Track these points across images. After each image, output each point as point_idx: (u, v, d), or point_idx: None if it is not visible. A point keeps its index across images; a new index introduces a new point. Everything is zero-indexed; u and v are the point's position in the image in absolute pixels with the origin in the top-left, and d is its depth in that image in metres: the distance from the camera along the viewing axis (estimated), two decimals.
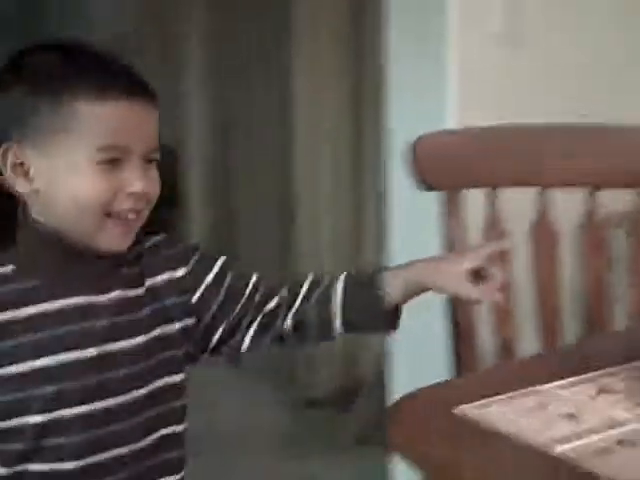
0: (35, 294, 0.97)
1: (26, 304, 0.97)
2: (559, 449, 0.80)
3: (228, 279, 1.06)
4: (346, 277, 1.06)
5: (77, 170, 0.96)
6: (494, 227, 1.39)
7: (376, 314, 1.04)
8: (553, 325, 1.38)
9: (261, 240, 2.99)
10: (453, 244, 1.39)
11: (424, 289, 1.04)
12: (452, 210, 1.39)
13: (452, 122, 1.81)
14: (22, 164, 0.97)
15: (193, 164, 3.27)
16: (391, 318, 1.05)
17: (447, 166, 1.40)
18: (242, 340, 1.06)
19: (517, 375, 1.01)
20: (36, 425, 0.96)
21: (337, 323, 1.05)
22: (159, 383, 1.02)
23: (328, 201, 2.55)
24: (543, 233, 1.40)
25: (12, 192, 0.99)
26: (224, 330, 1.06)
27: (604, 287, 1.39)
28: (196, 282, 1.05)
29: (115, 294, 1.00)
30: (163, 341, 1.03)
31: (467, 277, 1.01)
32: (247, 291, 1.07)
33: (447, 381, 1.05)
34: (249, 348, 1.06)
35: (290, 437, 2.47)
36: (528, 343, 1.40)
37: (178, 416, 1.05)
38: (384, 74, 1.98)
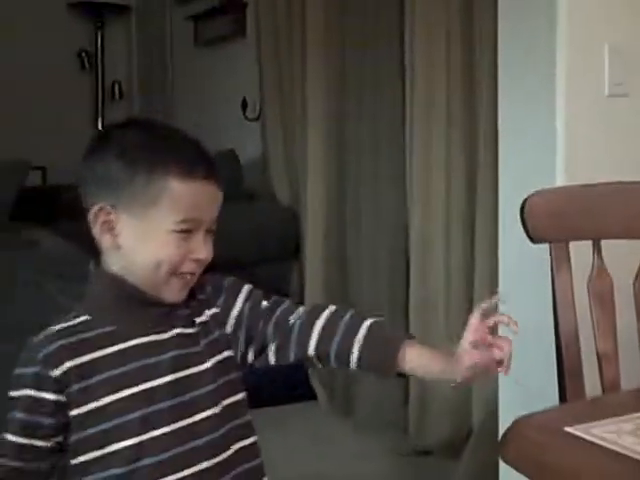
0: (114, 337, 1.16)
1: (107, 346, 1.16)
2: None
3: (248, 305, 1.24)
4: (372, 323, 1.21)
5: (156, 235, 1.16)
6: (599, 275, 1.53)
7: (385, 369, 1.20)
8: None
9: (373, 288, 3.12)
10: (565, 294, 1.52)
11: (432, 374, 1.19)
12: (559, 261, 1.54)
13: (561, 179, 1.96)
14: (110, 222, 1.17)
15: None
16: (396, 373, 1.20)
17: (554, 220, 1.55)
18: (267, 359, 1.24)
19: (619, 404, 1.15)
20: (130, 448, 1.14)
21: (354, 356, 1.20)
22: (227, 401, 1.21)
23: (442, 251, 2.67)
24: None
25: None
26: (255, 351, 1.24)
27: None
28: (226, 316, 1.24)
29: (175, 332, 1.19)
30: (222, 366, 1.22)
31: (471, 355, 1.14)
32: (268, 314, 1.24)
33: (558, 406, 1.19)
34: (276, 362, 1.24)
35: None
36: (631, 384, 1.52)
37: (249, 429, 1.23)
38: (499, 133, 2.14)
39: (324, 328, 1.21)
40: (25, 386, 1.14)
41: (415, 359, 1.18)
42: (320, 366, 1.24)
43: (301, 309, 1.25)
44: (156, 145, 1.18)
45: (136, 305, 1.19)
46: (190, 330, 1.21)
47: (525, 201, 1.54)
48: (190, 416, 1.17)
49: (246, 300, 1.25)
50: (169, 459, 1.13)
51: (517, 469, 1.05)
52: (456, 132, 2.61)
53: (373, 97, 3.11)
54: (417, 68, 2.68)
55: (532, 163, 2.03)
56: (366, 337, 1.19)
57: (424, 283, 2.71)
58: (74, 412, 1.14)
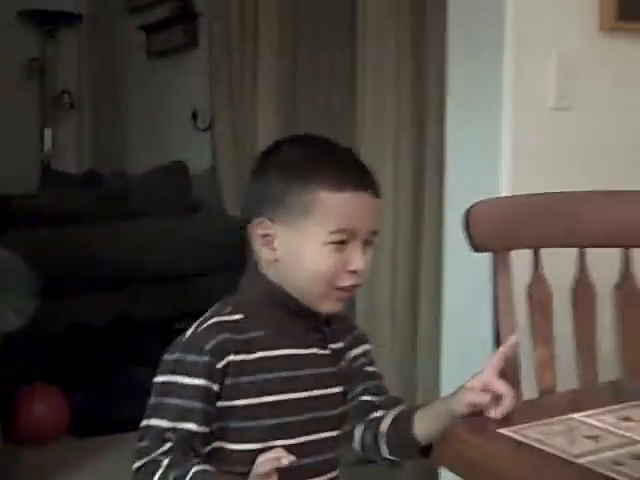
0: (262, 342, 1.18)
1: (256, 350, 1.17)
2: (581, 460, 0.96)
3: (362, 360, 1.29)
4: (396, 415, 1.24)
5: (311, 248, 1.17)
6: (539, 283, 1.55)
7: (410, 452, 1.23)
8: (590, 371, 1.53)
9: None
10: (506, 301, 1.54)
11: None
12: (501, 269, 1.55)
13: (505, 189, 1.99)
14: (268, 235, 1.19)
15: None
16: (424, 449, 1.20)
17: (497, 230, 1.57)
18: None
19: (551, 406, 1.16)
20: (253, 451, 1.15)
21: (384, 449, 1.25)
22: (339, 431, 1.25)
23: (389, 256, 2.68)
24: (583, 289, 1.56)
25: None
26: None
27: (637, 337, 1.54)
28: (346, 355, 1.28)
29: (312, 350, 1.22)
30: (343, 396, 1.26)
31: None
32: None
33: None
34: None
35: None
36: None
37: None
38: (445, 144, 2.16)
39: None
40: (187, 374, 1.14)
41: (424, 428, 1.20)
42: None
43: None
44: (310, 158, 1.19)
45: (286, 315, 1.21)
46: (323, 352, 1.24)
47: (468, 210, 1.55)
48: (312, 434, 1.21)
49: (363, 355, 1.30)
50: (285, 470, 1.11)
51: (451, 470, 1.06)
52: (404, 145, 2.63)
53: (326, 106, 3.12)
54: (367, 78, 2.69)
55: (477, 173, 2.06)
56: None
57: (370, 297, 2.72)
58: (218, 404, 1.16)
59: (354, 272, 1.18)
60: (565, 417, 1.10)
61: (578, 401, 1.17)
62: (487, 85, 2.05)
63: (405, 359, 2.53)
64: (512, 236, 1.56)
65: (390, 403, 1.28)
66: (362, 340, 1.31)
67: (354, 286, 1.20)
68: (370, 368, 1.30)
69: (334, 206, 1.16)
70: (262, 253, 1.20)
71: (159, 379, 1.17)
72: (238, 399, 1.16)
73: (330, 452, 1.24)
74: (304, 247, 1.17)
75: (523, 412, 1.15)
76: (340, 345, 1.27)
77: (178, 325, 3.42)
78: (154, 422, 1.14)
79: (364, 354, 1.30)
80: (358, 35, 2.71)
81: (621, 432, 1.05)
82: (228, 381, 1.16)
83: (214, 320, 1.17)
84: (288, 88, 3.32)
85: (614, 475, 0.92)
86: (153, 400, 1.16)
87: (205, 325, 1.17)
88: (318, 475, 1.21)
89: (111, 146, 5.08)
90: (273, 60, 3.34)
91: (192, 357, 1.14)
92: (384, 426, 1.24)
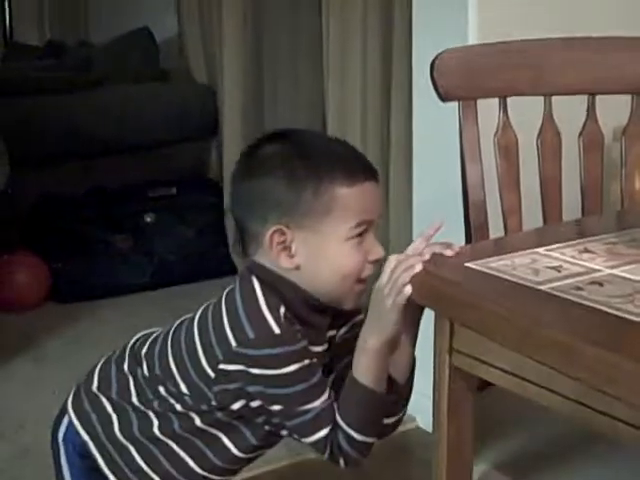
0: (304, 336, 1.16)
1: (299, 341, 1.15)
2: (544, 287, 1.02)
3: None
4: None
5: (334, 247, 1.15)
6: (505, 131, 1.58)
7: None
8: (555, 216, 1.59)
9: None
10: (472, 147, 1.58)
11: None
12: (468, 118, 1.58)
13: (473, 39, 1.98)
14: (284, 242, 1.15)
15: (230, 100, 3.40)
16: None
17: (463, 79, 1.59)
18: None
19: (518, 242, 1.22)
20: None
21: None
22: None
23: (359, 119, 2.70)
24: (549, 136, 1.60)
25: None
26: None
27: (599, 181, 1.60)
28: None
29: (324, 347, 1.22)
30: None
31: None
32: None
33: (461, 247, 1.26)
34: None
35: None
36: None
37: None
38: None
39: None
40: (302, 358, 1.14)
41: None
42: None
43: None
44: (315, 158, 1.16)
45: (314, 315, 1.19)
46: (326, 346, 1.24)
47: (434, 60, 1.57)
48: None
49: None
50: None
51: (421, 303, 1.12)
52: (372, 7, 2.60)
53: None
54: None
55: (445, 24, 2.05)
56: None
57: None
58: None
59: (376, 261, 1.18)
60: (529, 251, 1.16)
61: (542, 237, 1.22)
62: None
63: None
64: (478, 85, 1.59)
65: None
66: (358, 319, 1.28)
67: (373, 274, 1.20)
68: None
69: (353, 200, 1.15)
70: (280, 262, 1.16)
71: (273, 372, 1.13)
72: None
73: None
74: (327, 247, 1.15)
75: (490, 248, 1.20)
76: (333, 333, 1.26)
77: (152, 193, 3.48)
78: (313, 405, 1.15)
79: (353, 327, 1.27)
80: None
81: (581, 262, 1.11)
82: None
83: (282, 309, 1.15)
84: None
85: (573, 298, 0.99)
86: (293, 389, 1.14)
87: (282, 316, 1.14)
88: None
89: (72, 15, 4.96)
90: None
91: (294, 347, 1.14)
92: None
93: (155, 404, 1.22)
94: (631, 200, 1.57)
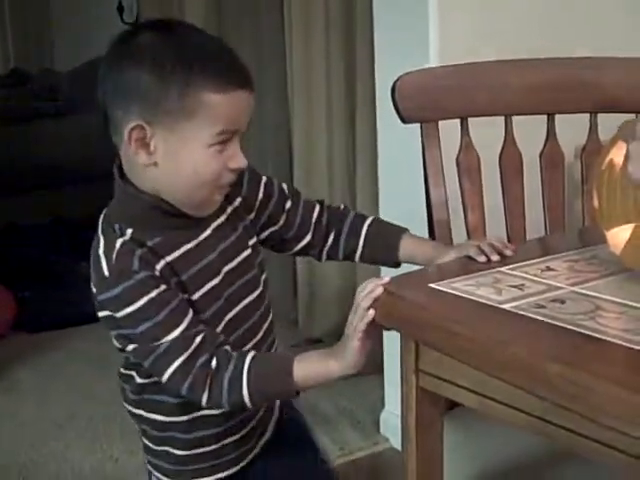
0: (163, 247, 1.14)
1: (162, 256, 1.13)
2: (506, 306, 1.03)
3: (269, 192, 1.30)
4: (372, 221, 1.34)
5: (194, 151, 1.11)
6: (467, 151, 1.60)
7: (385, 260, 1.33)
8: (519, 234, 1.60)
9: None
10: (436, 168, 1.59)
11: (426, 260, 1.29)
12: (429, 139, 1.60)
13: (434, 62, 2.01)
14: (144, 138, 1.11)
15: None
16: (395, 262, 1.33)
17: (424, 101, 1.61)
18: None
19: (480, 263, 1.22)
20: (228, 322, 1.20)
21: (357, 254, 1.34)
22: (261, 288, 1.27)
23: (325, 140, 2.71)
24: (510, 155, 1.62)
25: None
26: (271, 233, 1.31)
27: (561, 199, 1.62)
28: (253, 201, 1.28)
29: (213, 225, 1.20)
30: (256, 249, 1.27)
31: None
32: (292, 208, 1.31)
33: (424, 268, 1.27)
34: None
35: None
36: None
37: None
38: (374, 22, 2.17)
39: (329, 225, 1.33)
40: (140, 296, 1.10)
41: (410, 247, 1.31)
42: (322, 260, 1.37)
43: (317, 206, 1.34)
44: (189, 55, 1.11)
45: (170, 219, 1.17)
46: (224, 218, 1.22)
47: (395, 82, 1.58)
48: (245, 298, 1.23)
49: (266, 186, 1.30)
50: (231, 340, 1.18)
51: (388, 325, 1.12)
52: (334, 28, 2.63)
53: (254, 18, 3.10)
54: None
55: (407, 46, 2.07)
56: (367, 234, 1.33)
57: (308, 185, 2.76)
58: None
59: (236, 170, 1.16)
60: (493, 270, 1.17)
61: (505, 256, 1.23)
62: None
63: None
64: (439, 106, 1.60)
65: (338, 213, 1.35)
66: (257, 178, 1.29)
67: (232, 183, 1.18)
68: (288, 203, 1.31)
69: (221, 107, 1.11)
70: (138, 157, 1.13)
71: (120, 313, 1.12)
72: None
73: (260, 309, 1.26)
74: (186, 151, 1.12)
75: (454, 268, 1.21)
76: (237, 201, 1.26)
77: None
78: (164, 339, 1.12)
79: (268, 193, 1.29)
80: None
81: (543, 280, 1.13)
82: (169, 283, 1.14)
83: (119, 242, 1.13)
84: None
85: (536, 316, 1.00)
86: (140, 328, 1.12)
87: (115, 251, 1.12)
88: (257, 333, 1.24)
89: (36, 43, 4.95)
90: None
91: (130, 282, 1.11)
92: (364, 230, 1.33)
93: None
94: (592, 217, 1.59)
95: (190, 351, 1.12)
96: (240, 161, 1.16)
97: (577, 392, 0.86)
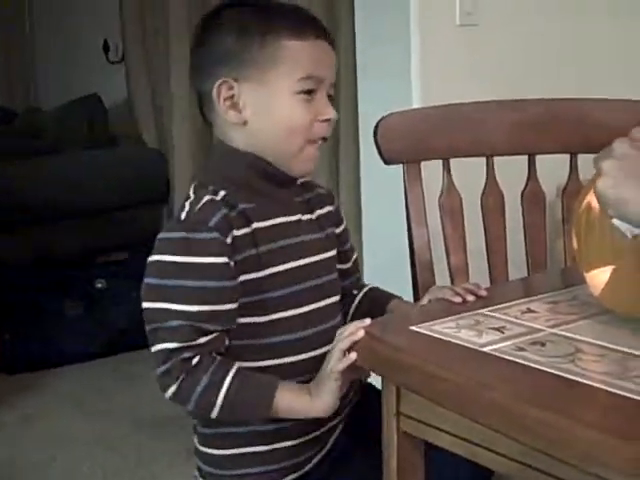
0: (254, 214, 1.16)
1: (251, 222, 1.15)
2: (486, 349, 1.03)
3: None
4: (368, 291, 1.36)
5: (281, 100, 1.15)
6: (449, 193, 1.60)
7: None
8: (501, 274, 1.60)
9: None
10: (418, 208, 1.59)
11: None
12: (412, 181, 1.60)
13: (416, 104, 2.03)
14: (232, 97, 1.16)
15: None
16: None
17: (406, 142, 1.61)
18: None
19: (461, 305, 1.22)
20: (259, 324, 1.18)
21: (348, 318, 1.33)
22: (339, 296, 1.28)
23: None
24: (491, 195, 1.62)
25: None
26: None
27: (543, 238, 1.62)
28: (339, 220, 1.32)
29: (299, 217, 1.22)
30: (334, 260, 1.28)
31: None
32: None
33: (406, 311, 1.27)
34: None
35: None
36: None
37: None
38: (357, 66, 2.19)
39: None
40: (199, 253, 1.10)
41: (395, 304, 1.33)
42: None
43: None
44: (267, 12, 1.17)
45: (268, 184, 1.18)
46: (310, 217, 1.24)
47: (377, 124, 1.59)
48: (320, 300, 1.22)
49: (345, 229, 1.34)
50: (296, 340, 1.18)
51: (368, 367, 1.12)
52: None
53: None
54: None
55: (389, 92, 2.10)
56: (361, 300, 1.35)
57: None
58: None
59: (326, 121, 1.18)
60: (473, 312, 1.17)
61: (486, 298, 1.23)
62: (394, 4, 2.08)
63: None
64: (421, 147, 1.61)
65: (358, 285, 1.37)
66: (340, 218, 1.33)
67: (324, 138, 1.20)
68: (347, 246, 1.34)
69: (300, 52, 1.15)
70: (228, 117, 1.16)
71: (167, 258, 1.12)
72: (243, 274, 1.15)
73: (334, 319, 1.25)
74: (274, 101, 1.15)
75: (436, 310, 1.20)
76: (329, 210, 1.30)
77: (102, 258, 3.45)
78: (177, 307, 1.10)
79: (343, 232, 1.33)
80: None
81: (524, 322, 1.12)
82: (237, 257, 1.14)
83: (207, 198, 1.13)
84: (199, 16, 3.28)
85: (516, 359, 0.99)
86: (166, 282, 1.11)
87: (201, 204, 1.13)
88: (326, 344, 1.18)
89: (21, 81, 4.96)
90: None
91: (200, 235, 1.10)
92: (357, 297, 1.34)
93: None
94: (573, 257, 1.59)
95: (186, 344, 1.11)
96: (330, 112, 1.18)
97: (557, 437, 0.85)
